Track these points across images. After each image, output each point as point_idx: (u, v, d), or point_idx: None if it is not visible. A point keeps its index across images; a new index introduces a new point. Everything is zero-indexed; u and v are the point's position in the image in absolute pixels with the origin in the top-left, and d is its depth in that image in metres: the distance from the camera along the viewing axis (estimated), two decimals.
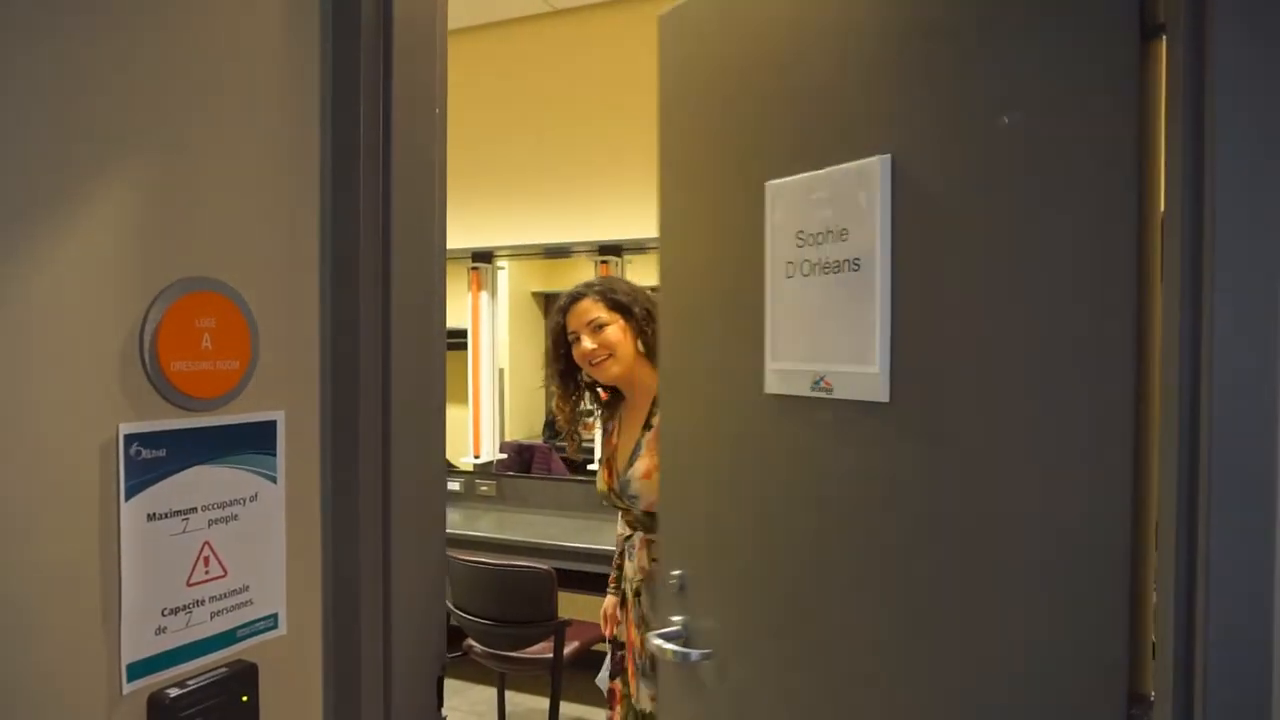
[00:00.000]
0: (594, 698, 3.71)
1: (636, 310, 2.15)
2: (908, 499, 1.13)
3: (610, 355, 2.13)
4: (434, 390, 1.22)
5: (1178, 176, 0.80)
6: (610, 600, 2.34)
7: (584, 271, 3.89)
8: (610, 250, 3.77)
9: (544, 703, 2.97)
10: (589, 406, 2.37)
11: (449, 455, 4.22)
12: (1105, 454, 0.92)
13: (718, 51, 1.47)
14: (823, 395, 1.23)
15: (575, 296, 2.20)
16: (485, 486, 4.06)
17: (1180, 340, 0.79)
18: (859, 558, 1.20)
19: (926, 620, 1.10)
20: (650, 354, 2.15)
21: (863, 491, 1.20)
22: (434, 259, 1.21)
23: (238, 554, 0.95)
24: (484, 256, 4.07)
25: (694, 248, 1.57)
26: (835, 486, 1.24)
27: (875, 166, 1.14)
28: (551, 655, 2.98)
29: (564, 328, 2.20)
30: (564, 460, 4.84)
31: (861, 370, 1.17)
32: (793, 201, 1.29)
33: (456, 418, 4.67)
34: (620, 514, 2.27)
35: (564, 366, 2.24)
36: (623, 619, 2.25)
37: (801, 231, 1.27)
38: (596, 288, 2.21)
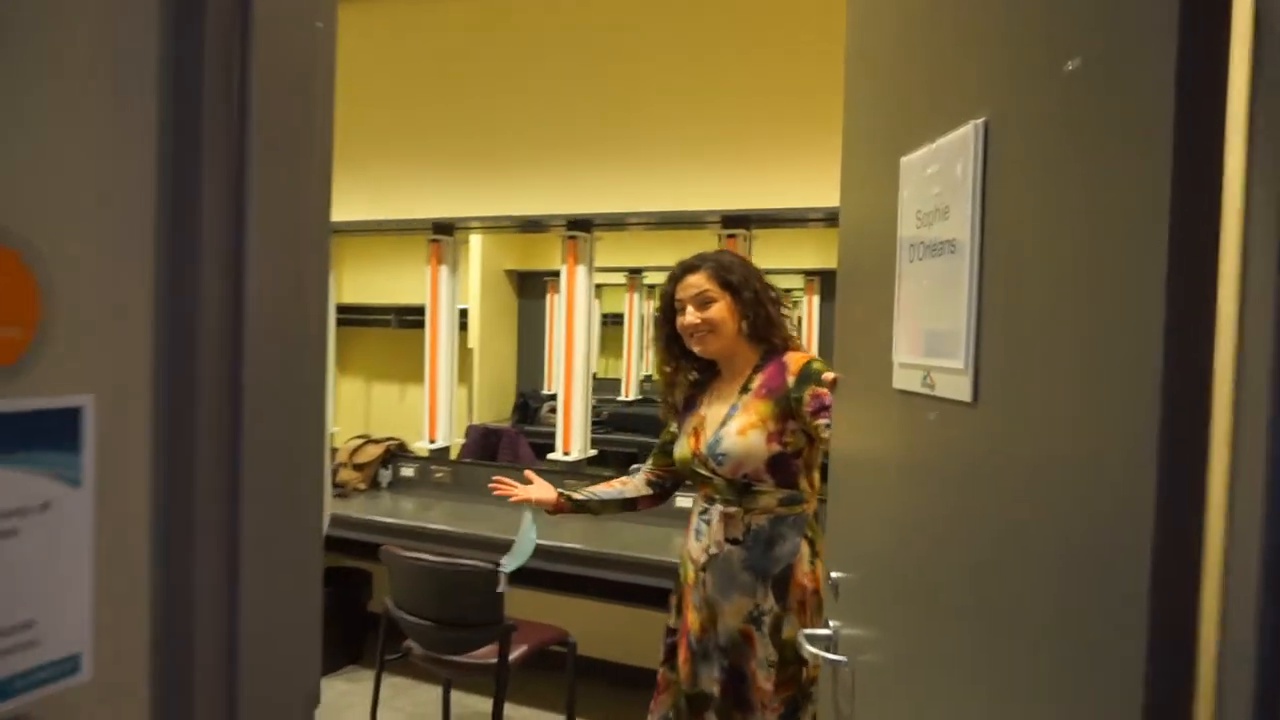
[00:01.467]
0: (545, 701, 3.53)
1: (746, 293, 2.15)
2: (987, 517, 1.00)
3: (711, 331, 2.15)
4: (306, 368, 1.00)
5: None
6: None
7: (558, 248, 3.66)
8: (579, 225, 3.55)
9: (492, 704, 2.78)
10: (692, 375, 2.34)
11: (406, 439, 4.06)
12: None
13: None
14: (929, 393, 1.15)
15: (689, 267, 2.20)
16: (441, 473, 3.85)
17: None
18: (954, 577, 1.09)
19: (1004, 641, 0.98)
20: (754, 336, 2.17)
21: (956, 504, 1.09)
22: (309, 210, 0.98)
23: (15, 582, 0.73)
24: (445, 228, 3.84)
25: (860, 227, 1.51)
26: (940, 497, 1.14)
27: (969, 133, 1.01)
28: (497, 660, 2.78)
29: (673, 295, 2.21)
30: (532, 446, 4.64)
31: (952, 365, 1.07)
32: (916, 178, 1.18)
33: (414, 400, 4.47)
34: (698, 489, 2.22)
35: (668, 331, 2.26)
36: (676, 602, 2.24)
37: (920, 211, 1.17)
38: (711, 262, 2.20)
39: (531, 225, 3.79)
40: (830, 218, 3.38)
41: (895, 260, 1.25)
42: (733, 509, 2.09)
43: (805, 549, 2.07)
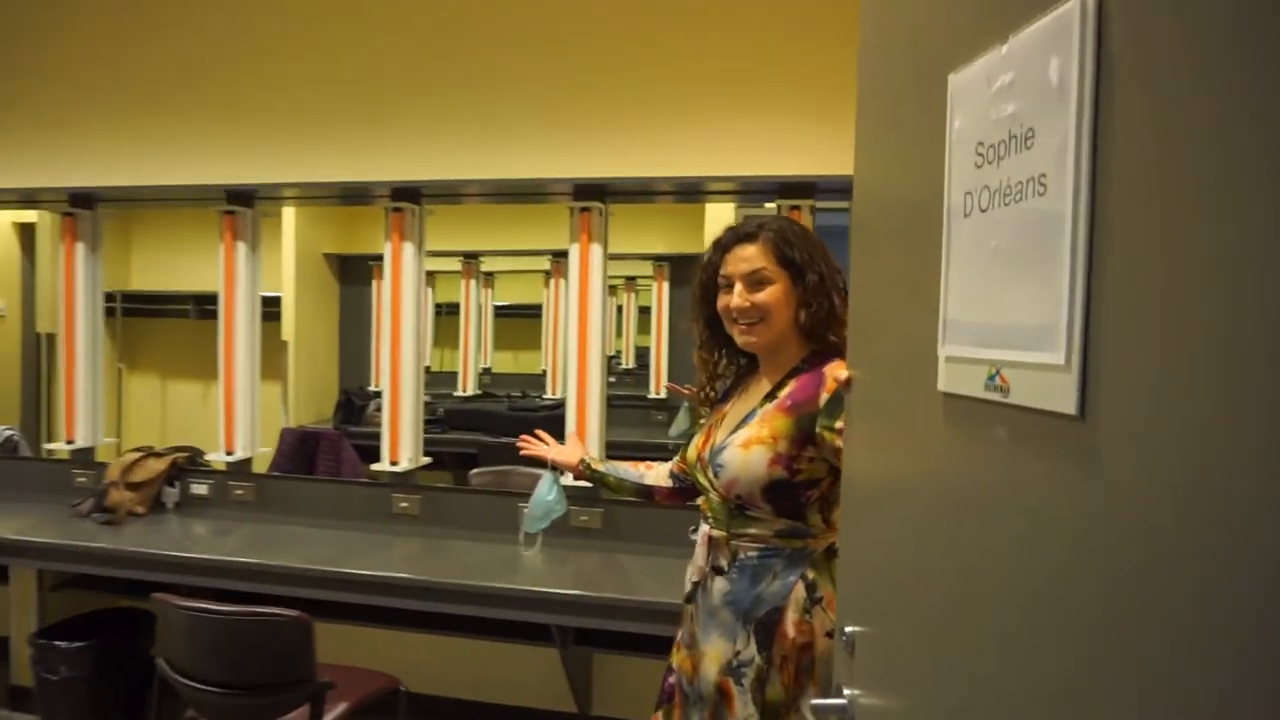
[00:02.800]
0: None
1: (811, 276, 1.70)
2: (1095, 577, 0.62)
3: (762, 319, 1.71)
4: None
5: None
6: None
7: (384, 227, 3.04)
8: (405, 195, 2.96)
9: None
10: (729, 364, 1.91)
11: (208, 448, 3.34)
12: None
13: None
14: (997, 398, 0.81)
15: (743, 235, 1.74)
16: (242, 490, 3.17)
17: None
18: (1031, 652, 0.73)
19: None
20: (809, 332, 1.72)
21: (1038, 552, 0.72)
22: None
23: None
24: (242, 198, 3.14)
25: (882, 178, 1.20)
26: (1012, 542, 0.78)
27: (1072, 13, 0.66)
28: None
29: (716, 266, 1.76)
30: (359, 450, 4.00)
31: (1040, 360, 0.72)
32: (974, 99, 0.87)
33: (210, 402, 3.73)
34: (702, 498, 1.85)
35: (709, 313, 1.81)
36: (681, 635, 1.85)
37: (981, 143, 0.86)
38: (771, 231, 1.73)
39: (350, 195, 3.16)
40: (689, 190, 2.94)
41: (940, 217, 0.93)
42: (719, 532, 1.73)
43: (800, 592, 1.65)
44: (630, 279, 4.86)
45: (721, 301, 1.75)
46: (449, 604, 2.50)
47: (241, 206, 3.11)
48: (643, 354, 4.91)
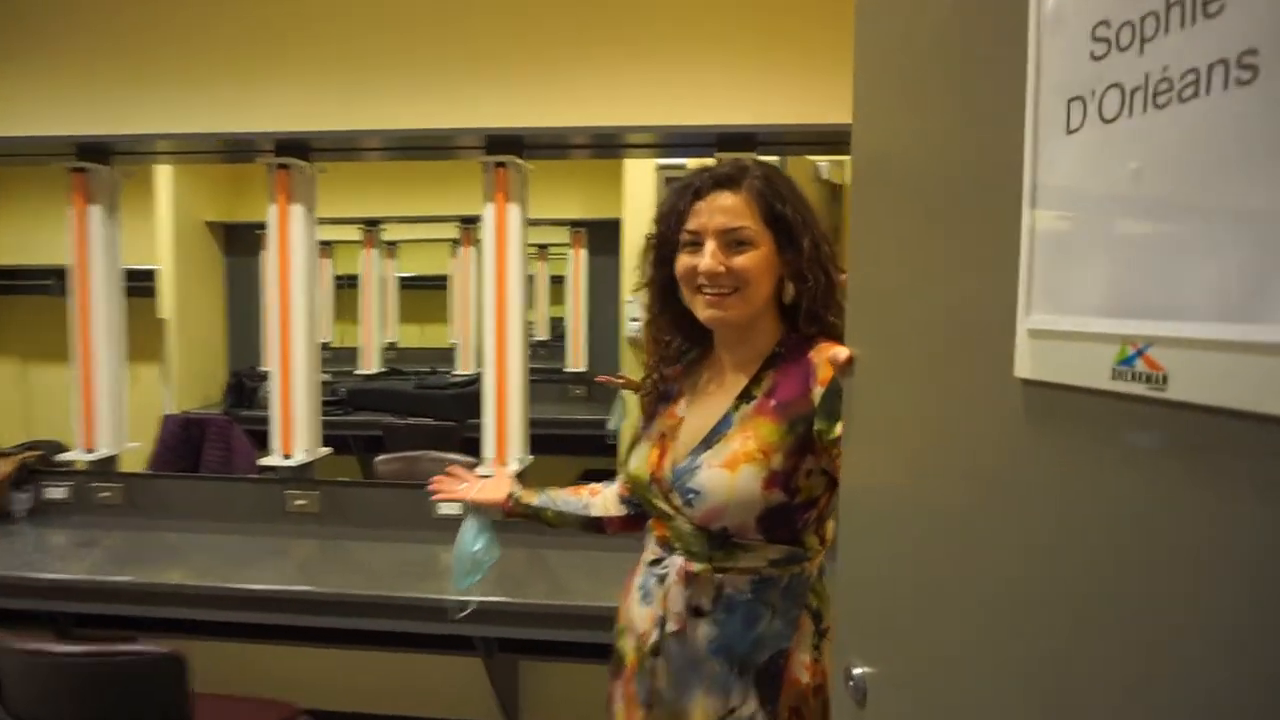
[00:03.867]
0: None
1: (804, 240, 1.30)
2: None
3: (735, 291, 1.30)
4: None
5: None
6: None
7: (263, 188, 2.59)
8: (293, 150, 2.53)
9: None
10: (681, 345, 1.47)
11: (66, 443, 2.86)
12: None
13: None
14: (1143, 390, 0.52)
15: (721, 179, 1.31)
16: (108, 492, 2.71)
17: None
18: None
19: None
20: (790, 313, 1.35)
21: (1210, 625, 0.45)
22: None
23: None
24: (96, 152, 2.65)
25: (899, 98, 0.92)
26: (1148, 597, 0.52)
27: None
28: None
29: (680, 216, 1.33)
30: (252, 435, 3.55)
31: (1238, 336, 0.45)
32: None
33: (56, 390, 3.21)
34: (652, 523, 1.42)
35: (665, 277, 1.38)
36: (617, 694, 1.42)
37: (1105, 22, 0.58)
38: (756, 178, 1.31)
39: (230, 150, 2.70)
40: (616, 143, 2.60)
41: (1016, 138, 0.66)
42: (699, 565, 1.31)
43: (807, 626, 1.32)
44: (542, 247, 4.49)
45: (684, 263, 1.31)
46: (354, 618, 2.15)
47: (94, 163, 2.61)
48: (557, 325, 4.57)
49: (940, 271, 0.82)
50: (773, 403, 1.29)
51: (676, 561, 1.32)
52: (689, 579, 1.31)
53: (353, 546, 2.50)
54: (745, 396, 1.32)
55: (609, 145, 2.56)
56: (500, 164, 2.43)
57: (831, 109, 2.08)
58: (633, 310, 3.72)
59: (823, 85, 2.29)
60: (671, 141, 2.44)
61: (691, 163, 3.62)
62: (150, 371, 4.20)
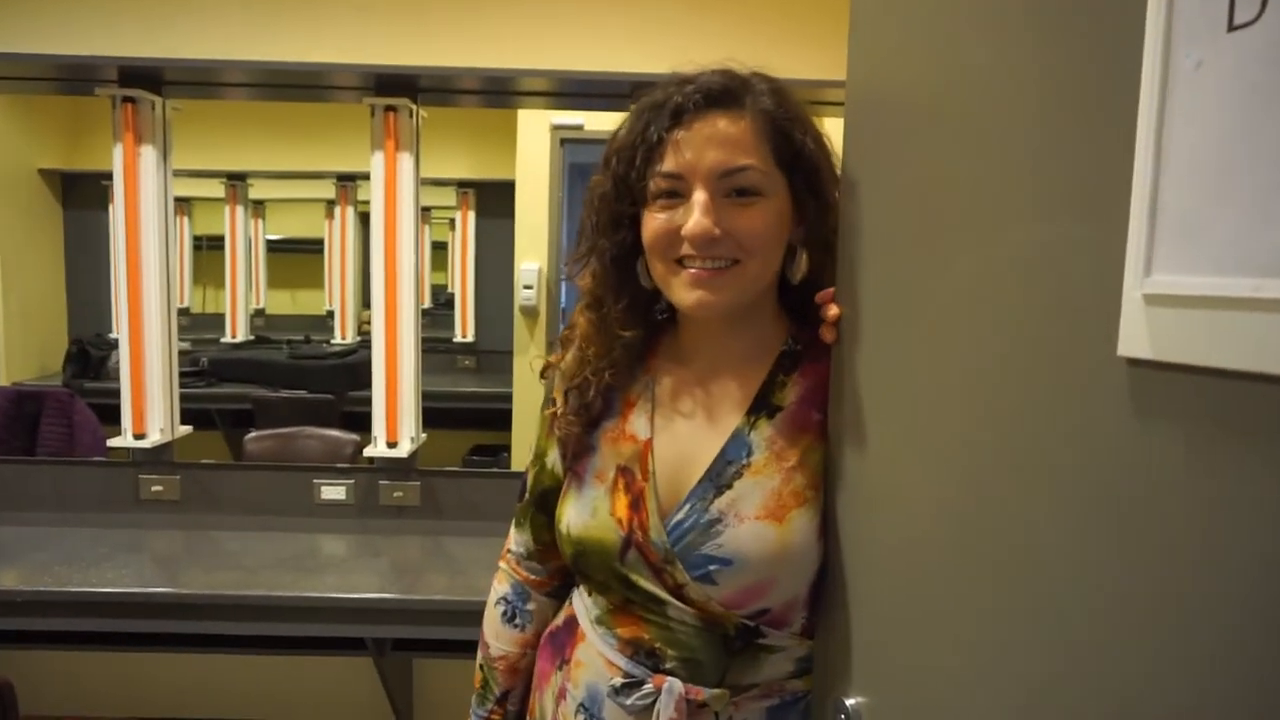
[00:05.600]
0: None
1: (827, 189, 0.88)
2: None
3: (735, 263, 0.86)
4: None
5: None
6: None
7: (109, 129, 2.17)
8: (140, 80, 2.12)
9: None
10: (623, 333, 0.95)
11: None
12: None
13: None
14: None
15: (717, 95, 0.86)
16: None
17: None
18: None
19: None
20: (812, 284, 0.90)
21: None
22: None
23: None
24: None
25: None
26: None
27: None
28: None
29: (651, 151, 0.86)
30: (98, 410, 3.09)
31: None
32: None
33: None
34: (604, 621, 0.93)
35: (620, 242, 0.91)
36: None
37: None
38: (765, 94, 0.87)
39: (64, 79, 2.25)
40: (524, 90, 2.32)
41: (1140, 62, 0.47)
42: (710, 689, 0.87)
43: None
44: (426, 209, 4.14)
45: (656, 223, 0.87)
46: (224, 622, 1.84)
47: None
48: (439, 293, 4.24)
49: (992, 214, 0.63)
50: (812, 414, 0.89)
51: (674, 688, 0.86)
52: (692, 714, 0.86)
53: (221, 538, 2.16)
54: (762, 407, 0.90)
55: (522, 93, 2.26)
56: (390, 108, 2.12)
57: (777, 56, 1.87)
58: (528, 278, 3.46)
59: (761, 31, 2.09)
60: (589, 91, 2.17)
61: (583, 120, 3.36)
62: None
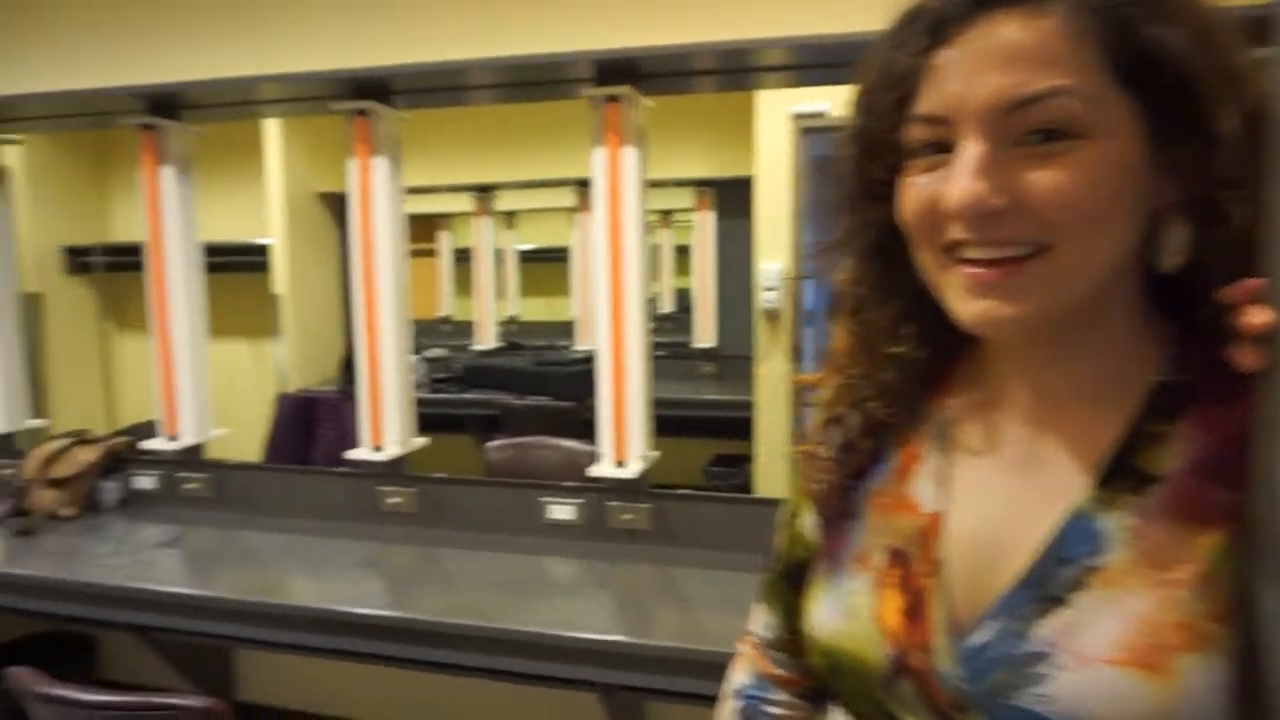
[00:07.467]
0: None
1: (1221, 117, 0.50)
2: None
3: (1041, 250, 0.51)
4: None
5: None
6: None
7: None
8: (370, 90, 2.06)
9: None
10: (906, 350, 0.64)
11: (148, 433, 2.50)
12: None
13: None
14: None
15: None
16: (195, 484, 2.37)
17: None
18: None
19: None
20: (1199, 274, 0.53)
21: None
22: None
23: None
24: (162, 105, 2.27)
25: None
26: None
27: None
28: None
29: (903, 87, 0.54)
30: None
31: None
32: None
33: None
34: None
35: (879, 221, 0.59)
36: None
37: None
38: None
39: (300, 99, 2.26)
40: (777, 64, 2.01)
41: None
42: None
43: None
44: (666, 213, 3.95)
45: (911, 193, 0.56)
46: (444, 650, 1.70)
47: (160, 118, 2.23)
48: (683, 297, 4.03)
49: None
50: (1220, 492, 0.52)
51: None
52: None
53: (451, 555, 2.06)
54: (1124, 476, 0.55)
55: (757, 69, 1.93)
56: (611, 98, 1.90)
57: None
58: (769, 279, 3.15)
59: None
60: (839, 58, 1.81)
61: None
62: (268, 349, 3.94)
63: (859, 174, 0.59)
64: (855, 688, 0.60)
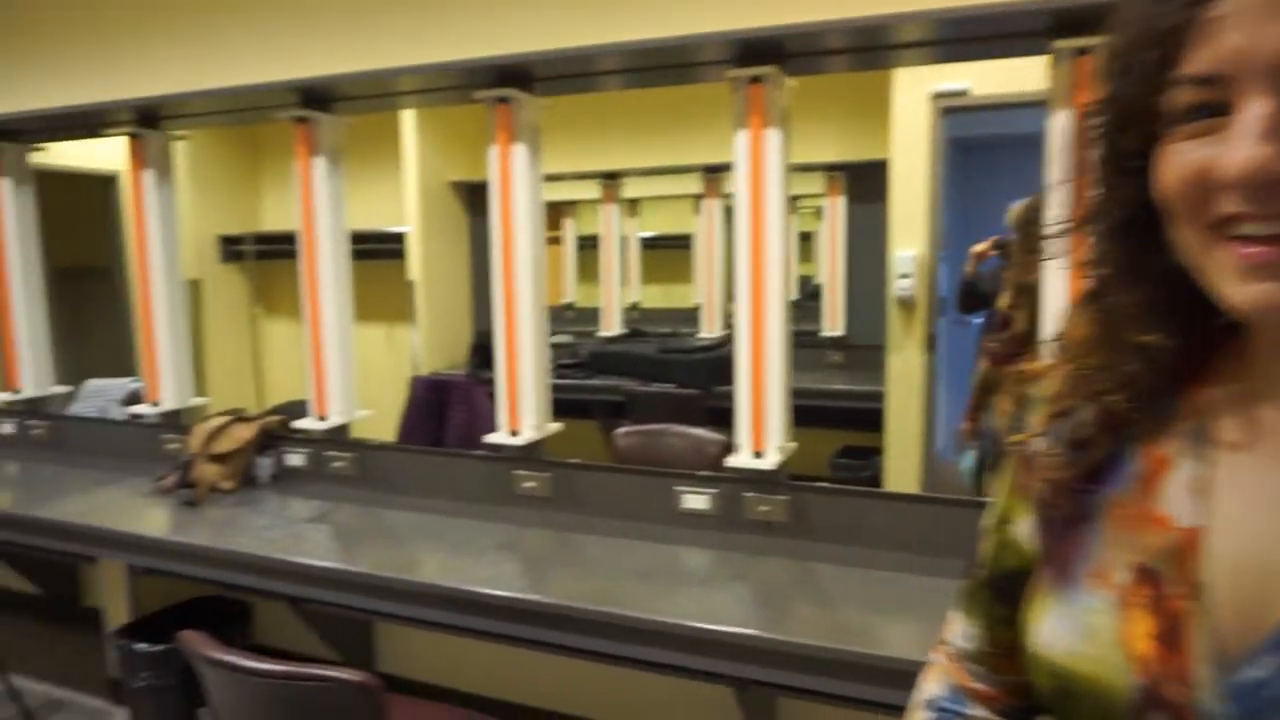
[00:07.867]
0: None
1: None
2: None
3: None
4: None
5: None
6: None
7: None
8: (510, 78, 2.07)
9: None
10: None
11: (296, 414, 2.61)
12: None
13: None
14: None
15: None
16: (341, 462, 2.46)
17: None
18: None
19: None
20: None
21: None
22: None
23: None
24: (317, 98, 2.35)
25: None
26: None
27: None
28: None
29: (1167, 46, 0.47)
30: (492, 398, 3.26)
31: None
32: None
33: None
34: None
35: (1130, 196, 0.52)
36: None
37: None
38: None
39: (451, 87, 2.29)
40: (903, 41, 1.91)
41: None
42: None
43: None
44: (792, 199, 3.85)
45: (1176, 163, 0.48)
46: (577, 635, 1.70)
47: (316, 111, 2.31)
48: (804, 284, 3.92)
49: None
50: None
51: None
52: None
53: (585, 541, 2.06)
54: None
55: (901, 45, 1.86)
56: (755, 79, 1.85)
57: None
58: (904, 265, 3.03)
59: None
60: (988, 30, 1.71)
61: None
62: (404, 333, 4.07)
63: (1109, 145, 0.52)
64: (1093, 715, 0.53)
